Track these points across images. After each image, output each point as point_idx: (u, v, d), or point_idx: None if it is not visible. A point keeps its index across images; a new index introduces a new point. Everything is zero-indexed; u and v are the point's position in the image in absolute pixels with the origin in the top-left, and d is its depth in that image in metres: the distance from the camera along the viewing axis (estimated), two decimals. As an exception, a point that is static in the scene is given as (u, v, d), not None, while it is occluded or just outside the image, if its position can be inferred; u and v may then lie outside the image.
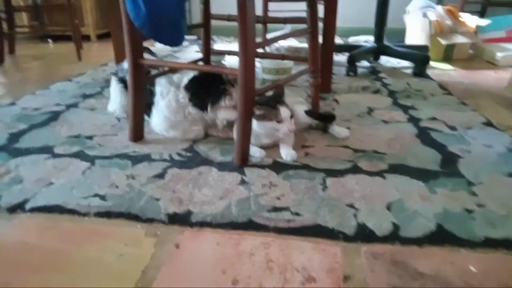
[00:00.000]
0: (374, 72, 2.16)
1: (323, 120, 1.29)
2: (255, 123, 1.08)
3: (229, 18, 1.32)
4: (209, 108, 1.19)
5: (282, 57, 1.39)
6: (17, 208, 0.88)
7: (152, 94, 1.24)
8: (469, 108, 1.55)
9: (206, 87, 1.19)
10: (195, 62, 1.43)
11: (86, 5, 3.14)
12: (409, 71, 2.20)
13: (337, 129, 1.26)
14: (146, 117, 1.26)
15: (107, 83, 1.86)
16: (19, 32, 2.93)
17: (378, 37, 2.22)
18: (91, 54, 2.75)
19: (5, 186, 0.96)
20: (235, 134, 1.11)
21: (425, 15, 2.44)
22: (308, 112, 1.26)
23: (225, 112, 1.18)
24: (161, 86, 1.23)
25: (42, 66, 2.37)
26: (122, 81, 1.39)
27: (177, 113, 1.21)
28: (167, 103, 1.21)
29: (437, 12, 2.45)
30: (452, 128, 1.34)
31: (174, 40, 0.94)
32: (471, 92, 1.80)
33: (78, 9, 3.03)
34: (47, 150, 1.16)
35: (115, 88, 1.42)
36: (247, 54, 0.97)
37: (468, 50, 2.49)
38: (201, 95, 1.19)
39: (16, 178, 1.00)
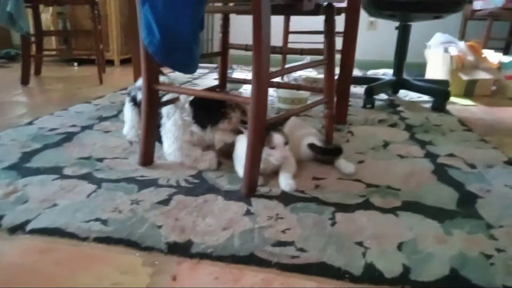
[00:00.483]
0: (392, 105, 2.12)
1: (327, 154, 1.25)
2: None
3: (246, 48, 1.33)
4: (208, 128, 1.22)
5: (298, 87, 1.39)
6: (18, 228, 0.87)
7: (159, 116, 1.26)
8: (490, 146, 1.49)
9: (207, 108, 1.23)
10: (210, 89, 1.44)
11: (113, 31, 3.25)
12: (428, 105, 2.16)
13: (343, 164, 1.21)
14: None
15: (123, 106, 1.89)
16: (48, 55, 3.05)
17: (398, 71, 2.20)
18: (113, 78, 2.82)
19: (10, 206, 0.95)
20: (236, 162, 1.14)
21: (446, 50, 2.41)
22: (311, 146, 1.23)
23: (223, 135, 1.21)
24: (167, 108, 1.25)
25: (65, 88, 2.43)
26: (133, 100, 1.42)
27: (183, 130, 1.23)
28: (173, 121, 1.23)
29: (459, 47, 2.42)
30: (472, 166, 1.28)
31: (187, 67, 0.94)
32: (493, 129, 1.74)
33: (104, 35, 3.14)
34: (56, 170, 1.16)
35: (126, 107, 1.45)
36: (260, 83, 0.96)
37: (490, 86, 2.43)
38: (202, 114, 1.22)
39: (22, 197, 1.00)
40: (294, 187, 1.07)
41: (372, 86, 2.04)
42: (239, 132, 1.16)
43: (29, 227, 0.87)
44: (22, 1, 2.21)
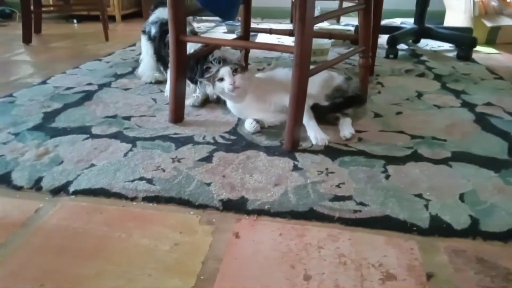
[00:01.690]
0: (414, 55, 2.04)
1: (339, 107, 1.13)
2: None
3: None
4: (198, 84, 1.28)
5: (329, 35, 1.30)
6: (60, 190, 0.83)
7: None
8: (527, 94, 1.44)
9: (194, 65, 1.27)
10: (236, 39, 1.35)
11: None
12: (451, 54, 2.07)
13: (345, 125, 1.08)
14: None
15: (137, 64, 1.80)
16: (48, 11, 2.89)
17: (420, 19, 2.09)
18: (117, 34, 2.68)
19: (45, 167, 0.91)
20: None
21: (469, -4, 2.29)
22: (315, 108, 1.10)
23: (210, 88, 1.21)
24: None
25: (69, 45, 2.32)
26: (148, 34, 1.49)
27: None
28: None
29: (482, -8, 2.30)
30: (512, 114, 1.24)
31: (229, 12, 0.86)
32: (524, 77, 1.68)
33: (103, -11, 2.95)
34: (84, 130, 1.11)
35: (143, 43, 1.52)
36: (305, 30, 0.88)
37: (514, 33, 2.33)
38: (190, 70, 1.27)
39: (56, 158, 0.95)
40: (327, 141, 1.01)
41: (395, 35, 1.94)
42: None
43: (71, 188, 0.83)
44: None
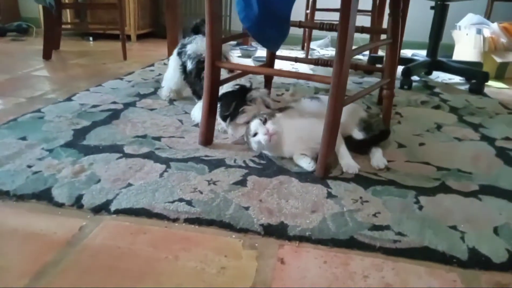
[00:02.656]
0: (428, 87, 2.09)
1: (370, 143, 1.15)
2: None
3: (300, 24, 1.28)
4: (227, 122, 1.25)
5: (355, 67, 1.34)
6: (101, 209, 0.84)
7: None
8: (542, 130, 1.47)
9: (227, 102, 1.23)
10: (263, 66, 1.39)
11: (130, 6, 3.14)
12: (463, 87, 2.13)
13: (377, 156, 1.10)
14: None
15: (158, 84, 1.84)
16: (67, 29, 2.95)
17: (433, 51, 2.16)
18: (133, 53, 2.73)
19: (84, 185, 0.92)
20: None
21: (479, 32, 2.37)
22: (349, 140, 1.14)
23: (235, 129, 1.23)
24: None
25: (88, 63, 2.36)
26: (180, 56, 1.55)
27: None
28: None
29: (492, 28, 2.38)
30: (532, 149, 1.27)
31: (276, 44, 0.90)
32: (537, 112, 1.72)
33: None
34: (116, 149, 1.13)
35: (172, 59, 1.60)
36: (344, 61, 0.92)
37: (522, 69, 2.40)
38: (225, 109, 1.24)
39: (93, 176, 0.96)
40: (357, 170, 1.04)
41: (410, 66, 2.00)
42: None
43: (112, 207, 0.84)
44: (46, -29, 2.11)
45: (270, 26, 0.84)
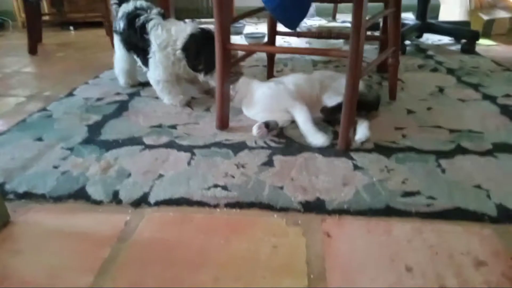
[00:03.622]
0: (420, 50, 2.12)
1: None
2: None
3: None
4: (203, 74, 1.32)
5: (346, 35, 1.34)
6: (140, 202, 0.85)
7: (148, 43, 1.34)
8: (538, 84, 1.53)
9: (201, 51, 1.29)
10: (267, 43, 1.39)
11: (107, -11, 3.03)
12: (454, 48, 2.17)
13: (362, 128, 1.10)
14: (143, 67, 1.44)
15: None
16: (44, 21, 2.84)
17: (422, 14, 2.18)
18: (119, 40, 2.66)
19: (115, 180, 0.93)
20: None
21: (465, -10, 2.39)
22: (323, 110, 1.18)
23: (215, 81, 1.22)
24: (158, 38, 1.31)
25: (77, 54, 2.30)
26: (116, 32, 1.48)
27: (174, 65, 1.34)
28: (166, 54, 1.32)
29: (477, -14, 2.40)
30: (532, 104, 1.33)
31: (297, 23, 0.90)
32: (529, 67, 1.78)
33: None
34: (136, 141, 1.13)
35: (115, 43, 1.51)
36: (361, 36, 0.93)
37: (507, 25, 2.45)
38: (196, 57, 1.29)
39: (122, 171, 0.97)
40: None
41: (403, 31, 2.02)
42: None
43: (152, 199, 0.86)
44: (22, -40, 2.02)
45: (293, 6, 0.84)
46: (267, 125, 1.14)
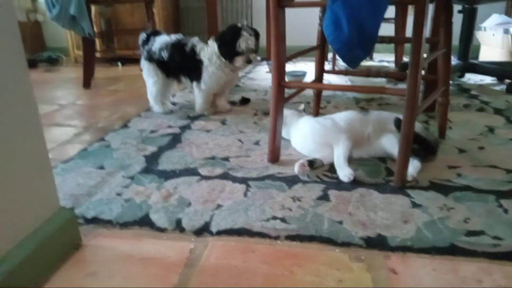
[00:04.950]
0: (464, 90, 2.12)
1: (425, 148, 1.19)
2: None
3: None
4: (238, 58, 1.63)
5: (385, 75, 1.37)
6: (202, 230, 0.88)
7: (200, 63, 1.67)
8: None
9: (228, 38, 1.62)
10: (316, 80, 1.44)
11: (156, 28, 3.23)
12: (498, 88, 2.16)
13: (413, 167, 1.09)
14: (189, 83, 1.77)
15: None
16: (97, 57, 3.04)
17: (464, 54, 2.19)
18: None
19: (177, 208, 0.97)
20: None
21: (507, 31, 2.40)
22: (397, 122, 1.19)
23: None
24: (207, 54, 1.66)
25: (127, 88, 2.43)
26: (151, 60, 1.76)
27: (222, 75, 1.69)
28: (216, 66, 1.66)
29: (519, 28, 2.41)
30: None
31: (359, 62, 0.95)
32: None
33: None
34: (192, 171, 1.17)
35: (148, 71, 1.79)
36: (418, 75, 0.96)
37: (551, 65, 2.42)
38: (227, 44, 1.62)
39: (182, 200, 1.01)
40: (352, 177, 1.08)
41: (446, 71, 2.03)
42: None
43: (213, 228, 0.88)
44: (84, 2, 2.20)
45: (359, 46, 0.89)
46: (311, 163, 1.16)
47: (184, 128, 1.59)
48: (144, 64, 1.78)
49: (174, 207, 0.98)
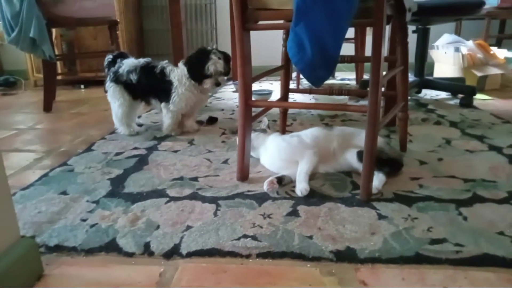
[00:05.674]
0: (421, 105, 2.23)
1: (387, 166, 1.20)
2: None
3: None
4: (207, 80, 1.67)
5: (347, 92, 1.42)
6: (172, 253, 0.86)
7: (169, 84, 1.69)
8: (539, 135, 1.61)
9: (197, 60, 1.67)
10: (281, 99, 1.47)
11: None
12: (452, 102, 2.28)
13: (377, 180, 1.12)
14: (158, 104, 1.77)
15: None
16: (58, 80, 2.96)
17: (420, 71, 2.31)
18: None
19: (145, 232, 0.94)
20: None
21: (457, 50, 2.56)
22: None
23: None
24: (176, 75, 1.69)
25: (90, 111, 2.38)
26: (117, 82, 1.73)
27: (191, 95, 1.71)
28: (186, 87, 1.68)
29: (468, 46, 2.58)
30: (537, 154, 1.38)
31: (323, 81, 0.97)
32: (527, 119, 1.87)
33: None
34: (160, 193, 1.15)
35: (113, 94, 1.75)
36: (378, 90, 1.00)
37: (499, 80, 2.60)
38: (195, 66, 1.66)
39: (150, 223, 0.99)
40: (306, 190, 1.10)
41: (404, 87, 2.13)
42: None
43: (183, 250, 0.87)
44: (45, 25, 2.15)
45: (322, 66, 0.92)
46: (280, 180, 1.17)
47: (150, 149, 1.57)
48: (110, 86, 1.74)
49: (142, 230, 0.95)
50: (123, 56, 1.81)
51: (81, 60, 3.25)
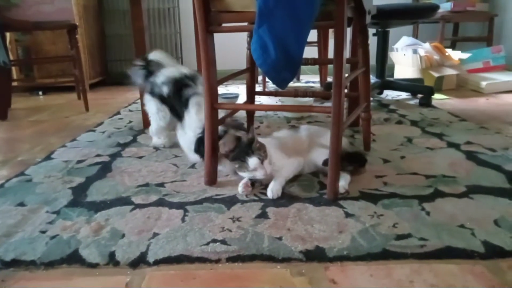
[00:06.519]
0: (383, 105, 2.29)
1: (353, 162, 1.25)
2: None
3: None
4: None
5: (312, 94, 1.44)
6: (139, 262, 0.84)
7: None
8: (493, 131, 1.69)
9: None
10: (247, 103, 1.47)
11: (80, 56, 3.09)
12: (412, 102, 2.36)
13: (343, 180, 1.14)
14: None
15: (134, 131, 1.85)
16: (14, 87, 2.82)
17: (381, 73, 2.38)
18: (91, 103, 2.64)
19: (110, 241, 0.91)
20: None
21: (415, 52, 2.66)
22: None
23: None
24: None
25: (49, 118, 2.28)
26: (153, 94, 1.53)
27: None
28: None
29: (425, 48, 2.68)
30: (492, 149, 1.46)
31: (287, 83, 0.98)
32: (482, 117, 1.97)
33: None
34: (125, 201, 1.12)
35: (152, 105, 1.55)
36: (340, 91, 1.02)
37: (455, 81, 2.72)
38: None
39: (115, 232, 0.95)
40: (277, 194, 1.10)
41: (367, 89, 2.19)
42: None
43: (150, 258, 0.84)
44: (-2, 30, 2.05)
45: (286, 68, 0.92)
46: (252, 183, 1.17)
47: (114, 156, 1.52)
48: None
49: (106, 240, 0.92)
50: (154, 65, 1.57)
51: (39, 65, 3.12)
